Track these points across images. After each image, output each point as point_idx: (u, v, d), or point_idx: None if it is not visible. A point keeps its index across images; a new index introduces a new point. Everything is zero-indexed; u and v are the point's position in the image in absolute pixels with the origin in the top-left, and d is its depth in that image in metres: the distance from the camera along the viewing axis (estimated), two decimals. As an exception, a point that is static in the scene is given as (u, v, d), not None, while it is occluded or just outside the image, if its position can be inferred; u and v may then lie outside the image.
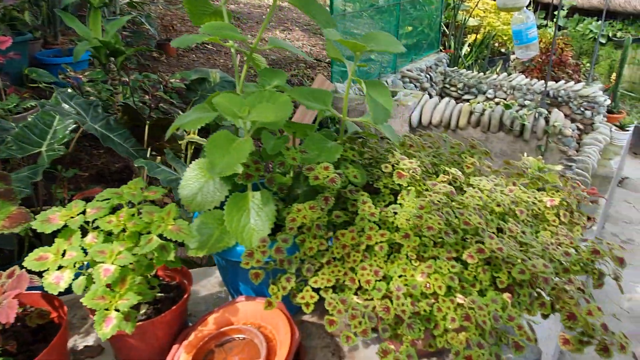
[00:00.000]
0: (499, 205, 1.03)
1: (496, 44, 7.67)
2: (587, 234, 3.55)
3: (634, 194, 5.74)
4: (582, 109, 5.36)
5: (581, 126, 5.42)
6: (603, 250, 0.94)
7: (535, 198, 1.15)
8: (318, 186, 1.00)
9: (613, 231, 4.94)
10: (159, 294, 1.03)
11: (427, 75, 5.99)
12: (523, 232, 0.98)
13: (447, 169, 1.11)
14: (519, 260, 0.88)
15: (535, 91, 5.68)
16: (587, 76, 5.48)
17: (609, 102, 5.31)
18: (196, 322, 1.01)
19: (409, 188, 1.03)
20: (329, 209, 0.98)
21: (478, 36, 7.44)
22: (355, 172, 1.06)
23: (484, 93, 6.07)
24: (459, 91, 6.28)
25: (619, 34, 8.20)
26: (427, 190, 1.02)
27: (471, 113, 3.66)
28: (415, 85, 5.61)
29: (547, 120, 3.44)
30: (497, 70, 7.14)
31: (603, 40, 8.46)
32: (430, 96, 6.10)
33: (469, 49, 7.37)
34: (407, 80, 5.42)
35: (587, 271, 0.94)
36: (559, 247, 0.96)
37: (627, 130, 5.02)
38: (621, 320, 3.54)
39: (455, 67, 6.45)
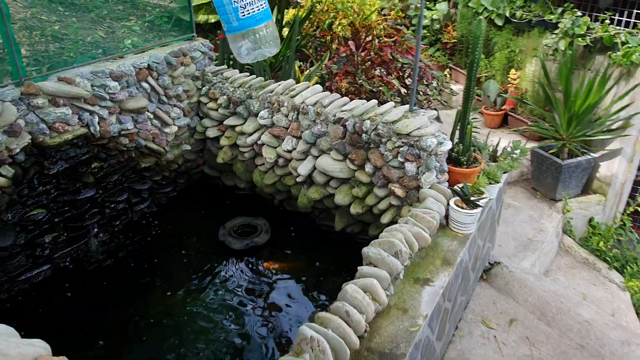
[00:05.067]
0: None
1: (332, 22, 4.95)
2: None
3: (502, 301, 3.28)
4: (402, 159, 2.78)
5: (401, 193, 2.84)
6: None
7: None
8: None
9: (438, 420, 2.45)
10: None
11: (148, 85, 3.19)
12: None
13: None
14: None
15: (328, 118, 3.04)
16: (423, 90, 2.88)
17: (449, 145, 2.74)
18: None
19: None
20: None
21: (300, 11, 4.71)
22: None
23: (257, 115, 3.38)
24: (221, 109, 3.55)
25: (518, 13, 5.72)
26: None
27: None
28: (90, 112, 2.81)
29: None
30: (322, 66, 4.46)
31: (500, 22, 5.98)
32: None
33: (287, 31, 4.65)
34: (48, 102, 2.59)
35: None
36: None
37: (478, 207, 2.51)
38: None
39: (224, 66, 3.69)
